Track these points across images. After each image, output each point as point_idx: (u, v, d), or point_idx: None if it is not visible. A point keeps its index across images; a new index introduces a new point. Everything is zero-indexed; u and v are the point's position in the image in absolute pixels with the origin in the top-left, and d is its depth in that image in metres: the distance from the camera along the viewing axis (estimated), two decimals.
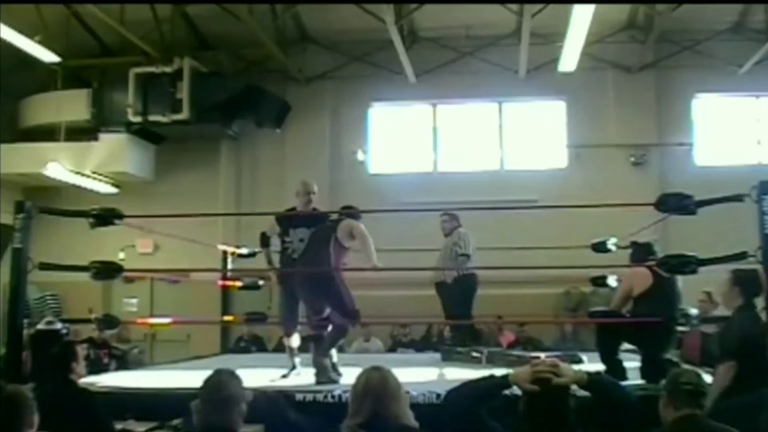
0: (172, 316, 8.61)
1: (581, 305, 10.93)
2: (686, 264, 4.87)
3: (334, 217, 6.16)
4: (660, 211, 5.15)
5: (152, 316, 10.95)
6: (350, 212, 6.25)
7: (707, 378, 3.93)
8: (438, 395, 4.44)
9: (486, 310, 9.97)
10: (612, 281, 7.14)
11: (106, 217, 5.58)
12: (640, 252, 5.77)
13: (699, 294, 7.24)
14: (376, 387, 3.03)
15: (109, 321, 6.17)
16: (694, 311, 5.25)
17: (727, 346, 4.37)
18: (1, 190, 10.01)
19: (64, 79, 11.82)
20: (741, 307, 4.51)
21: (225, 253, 8.58)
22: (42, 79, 11.79)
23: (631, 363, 5.39)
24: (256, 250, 8.45)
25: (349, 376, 5.40)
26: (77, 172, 11.46)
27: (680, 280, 5.32)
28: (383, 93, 12.53)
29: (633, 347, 5.64)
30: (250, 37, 10.86)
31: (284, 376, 5.93)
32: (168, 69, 11.02)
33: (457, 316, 7.53)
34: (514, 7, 10.85)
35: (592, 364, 5.69)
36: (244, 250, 8.51)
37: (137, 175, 11.92)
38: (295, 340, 6.13)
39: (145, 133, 11.77)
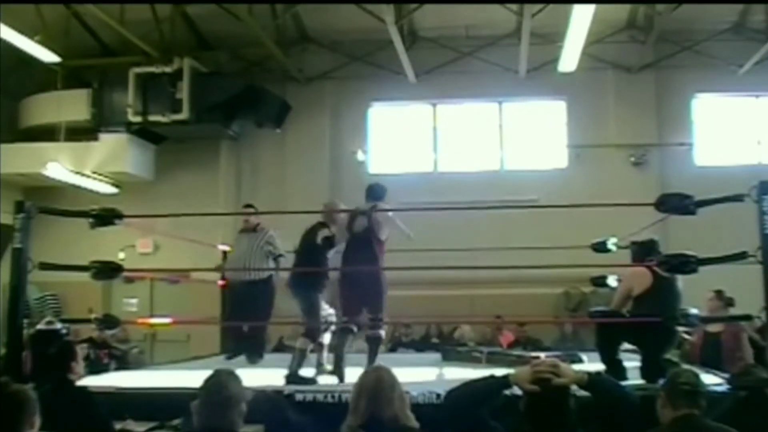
0: (172, 316, 8.60)
1: (581, 305, 10.94)
2: (686, 264, 4.87)
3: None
4: (660, 211, 5.15)
5: (152, 316, 10.94)
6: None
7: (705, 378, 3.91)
8: (438, 395, 4.43)
9: (486, 310, 10.02)
10: (612, 281, 7.13)
11: (106, 217, 5.58)
12: (642, 250, 5.75)
13: (707, 293, 7.16)
14: (371, 387, 3.04)
15: (109, 321, 6.16)
16: (694, 311, 5.23)
17: None
18: (1, 190, 10.02)
19: (64, 79, 11.82)
20: None
21: (225, 253, 8.58)
22: (42, 79, 11.79)
23: (631, 363, 5.39)
24: None
25: (350, 376, 5.42)
26: (77, 172, 11.46)
27: (680, 280, 5.32)
28: (383, 93, 12.53)
29: (633, 347, 5.64)
30: (250, 37, 10.86)
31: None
32: (168, 69, 11.02)
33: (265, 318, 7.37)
34: (514, 7, 10.86)
35: (592, 364, 5.69)
36: None
37: (137, 175, 11.92)
38: None
39: (145, 133, 11.77)
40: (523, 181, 11.86)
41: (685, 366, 4.59)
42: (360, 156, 12.26)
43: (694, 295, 7.37)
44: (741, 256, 4.64)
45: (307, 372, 5.73)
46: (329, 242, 6.03)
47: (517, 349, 9.00)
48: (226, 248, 8.61)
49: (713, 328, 6.91)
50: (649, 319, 5.05)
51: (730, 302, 7.46)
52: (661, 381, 3.50)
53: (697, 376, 3.30)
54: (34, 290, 10.83)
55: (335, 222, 6.15)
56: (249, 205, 8.05)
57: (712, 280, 6.58)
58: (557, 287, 11.22)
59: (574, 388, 3.01)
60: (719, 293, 7.38)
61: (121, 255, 9.73)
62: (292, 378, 5.58)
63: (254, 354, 7.38)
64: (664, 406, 3.20)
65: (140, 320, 9.75)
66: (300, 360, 5.75)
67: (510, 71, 12.03)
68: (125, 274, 6.13)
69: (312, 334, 5.99)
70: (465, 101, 12.66)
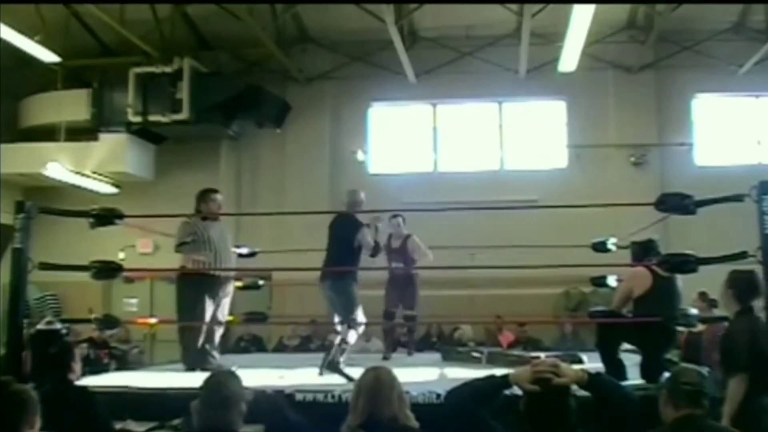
0: (172, 316, 8.58)
1: (581, 305, 10.94)
2: (686, 263, 4.87)
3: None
4: (660, 211, 5.16)
5: (152, 316, 10.92)
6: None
7: None
8: (438, 395, 4.43)
9: (486, 310, 10.01)
10: (612, 281, 7.14)
11: (106, 217, 5.58)
12: (642, 251, 5.76)
13: (693, 294, 7.24)
14: (369, 386, 3.05)
15: (109, 321, 6.16)
16: (694, 311, 5.24)
17: (734, 357, 4.16)
18: (1, 190, 10.01)
19: (64, 79, 11.82)
20: (739, 312, 4.37)
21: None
22: (42, 79, 11.78)
23: (631, 363, 5.39)
24: (256, 250, 8.50)
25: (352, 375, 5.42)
26: (77, 172, 11.47)
27: (680, 281, 5.32)
28: (383, 93, 12.53)
29: (633, 347, 5.64)
30: (250, 37, 10.87)
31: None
32: (168, 69, 11.01)
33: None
34: (514, 7, 10.86)
35: (592, 364, 5.68)
36: (244, 250, 8.49)
37: (137, 175, 11.92)
38: None
39: (145, 133, 11.77)
40: (523, 181, 11.85)
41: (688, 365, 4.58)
42: (360, 156, 12.26)
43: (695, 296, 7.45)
44: (741, 256, 4.64)
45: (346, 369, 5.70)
46: (378, 248, 6.41)
47: (517, 349, 9.00)
48: None
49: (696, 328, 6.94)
50: (649, 319, 5.05)
51: (713, 303, 7.54)
52: (665, 377, 3.47)
53: (701, 375, 3.27)
54: (34, 290, 10.82)
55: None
56: (216, 191, 6.89)
57: (712, 281, 6.58)
58: (557, 287, 11.22)
59: (574, 388, 3.00)
60: (703, 295, 7.49)
61: (121, 255, 9.73)
62: (333, 367, 5.66)
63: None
64: (665, 406, 3.18)
65: (140, 320, 9.75)
66: (342, 352, 5.86)
67: (510, 71, 12.02)
68: (125, 274, 6.13)
69: (355, 325, 6.12)
70: (465, 101, 12.66)
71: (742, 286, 4.35)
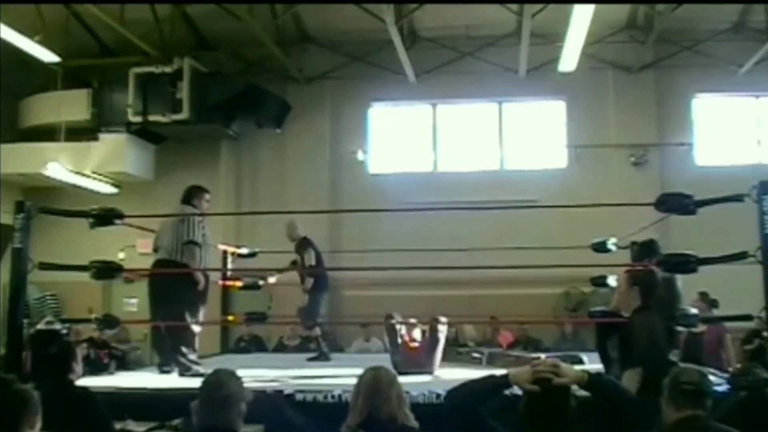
0: None
1: (581, 305, 10.93)
2: (685, 263, 4.87)
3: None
4: (660, 211, 5.16)
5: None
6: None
7: None
8: (438, 395, 4.44)
9: (486, 310, 10.01)
10: (612, 281, 7.13)
11: (106, 217, 5.59)
12: (642, 251, 5.76)
13: (693, 294, 7.25)
14: (368, 386, 3.05)
15: (109, 321, 6.16)
16: (694, 311, 5.24)
17: (630, 352, 4.29)
18: (1, 190, 10.02)
19: (64, 79, 11.80)
20: (639, 308, 4.49)
21: (225, 253, 8.58)
22: (42, 79, 11.78)
23: None
24: (256, 250, 8.52)
25: (350, 376, 5.41)
26: (77, 172, 11.46)
27: (680, 281, 5.32)
28: (383, 93, 12.53)
29: None
30: (250, 37, 10.86)
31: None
32: (168, 69, 11.00)
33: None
34: (514, 7, 10.85)
35: (592, 364, 5.68)
36: (244, 250, 8.52)
37: (137, 175, 11.91)
38: None
39: (145, 133, 11.76)
40: (523, 181, 11.85)
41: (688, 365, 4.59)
42: (360, 156, 12.25)
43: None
44: (741, 256, 4.64)
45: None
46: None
47: (517, 349, 9.01)
48: (227, 248, 8.63)
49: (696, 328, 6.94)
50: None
51: (714, 304, 7.55)
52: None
53: (702, 375, 3.25)
54: (34, 290, 10.82)
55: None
56: (209, 191, 6.84)
57: (712, 281, 6.60)
58: (557, 287, 11.22)
59: (574, 388, 3.00)
60: (704, 295, 7.50)
61: (121, 255, 9.72)
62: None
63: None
64: (667, 406, 3.16)
65: (140, 320, 9.74)
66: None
67: (510, 71, 12.02)
68: (125, 274, 6.12)
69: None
70: (465, 101, 12.65)
71: (646, 285, 4.56)
